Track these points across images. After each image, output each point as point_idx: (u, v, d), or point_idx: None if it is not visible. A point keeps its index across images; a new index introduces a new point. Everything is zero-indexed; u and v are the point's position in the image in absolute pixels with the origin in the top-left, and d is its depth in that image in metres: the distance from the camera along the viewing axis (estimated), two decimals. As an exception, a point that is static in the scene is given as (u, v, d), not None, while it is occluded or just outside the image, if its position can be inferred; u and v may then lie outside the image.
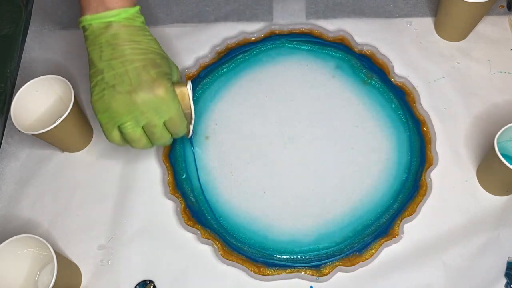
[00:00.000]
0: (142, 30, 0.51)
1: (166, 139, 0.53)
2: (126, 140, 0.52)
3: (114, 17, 0.49)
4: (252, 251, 0.57)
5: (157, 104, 0.49)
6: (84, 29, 0.50)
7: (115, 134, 0.51)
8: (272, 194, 0.60)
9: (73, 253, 0.58)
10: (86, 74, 0.68)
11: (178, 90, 0.52)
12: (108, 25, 0.49)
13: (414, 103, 0.64)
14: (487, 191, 0.58)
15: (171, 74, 0.52)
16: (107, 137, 0.52)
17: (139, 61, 0.49)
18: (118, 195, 0.61)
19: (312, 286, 0.55)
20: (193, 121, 0.55)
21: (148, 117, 0.49)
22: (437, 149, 0.61)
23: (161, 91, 0.49)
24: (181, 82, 0.53)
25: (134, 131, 0.50)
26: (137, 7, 0.51)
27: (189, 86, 0.52)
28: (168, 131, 0.52)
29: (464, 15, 0.63)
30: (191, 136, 0.60)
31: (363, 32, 0.69)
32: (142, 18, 0.51)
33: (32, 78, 0.59)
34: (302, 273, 0.55)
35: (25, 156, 0.64)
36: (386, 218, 0.57)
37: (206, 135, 0.64)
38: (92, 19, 0.49)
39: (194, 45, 0.70)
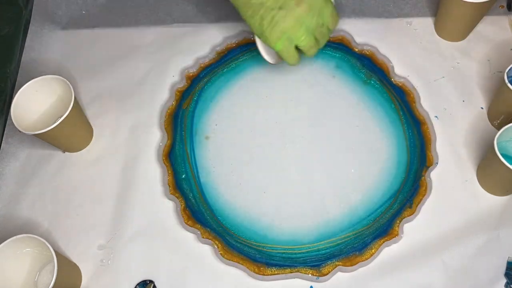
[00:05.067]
0: None
1: (328, 36, 0.57)
2: (301, 51, 0.56)
3: None
4: (252, 251, 0.57)
5: (319, 3, 0.53)
6: None
7: (296, 55, 0.56)
8: (272, 194, 0.60)
9: (73, 253, 0.58)
10: (86, 74, 0.69)
11: None
12: None
13: (414, 103, 0.64)
14: (487, 191, 0.58)
15: None
16: (289, 61, 0.56)
17: None
18: (118, 195, 0.61)
19: (312, 286, 0.55)
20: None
21: (316, 19, 0.53)
22: (437, 149, 0.61)
23: None
24: None
25: (310, 40, 0.55)
26: None
27: None
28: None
29: (464, 15, 0.63)
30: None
31: (363, 32, 0.69)
32: None
33: (32, 78, 0.59)
34: (302, 273, 0.55)
35: (25, 156, 0.64)
36: (386, 218, 0.57)
37: (206, 135, 0.64)
38: None
39: (194, 45, 0.70)
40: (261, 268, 0.55)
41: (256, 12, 0.53)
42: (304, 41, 0.54)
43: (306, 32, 0.54)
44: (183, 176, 0.61)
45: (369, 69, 0.66)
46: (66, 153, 0.64)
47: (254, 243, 0.57)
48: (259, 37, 0.55)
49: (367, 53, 0.68)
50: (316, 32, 0.55)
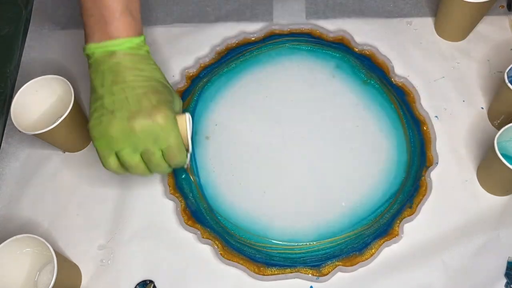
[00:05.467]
0: (146, 59, 0.50)
1: (164, 168, 0.51)
2: (123, 167, 0.50)
3: (118, 46, 0.48)
4: (252, 251, 0.57)
5: (156, 132, 0.48)
6: (88, 57, 0.50)
7: (112, 161, 0.49)
8: (272, 194, 0.60)
9: (73, 253, 0.58)
10: (86, 74, 0.69)
11: (178, 120, 0.50)
12: (112, 53, 0.48)
13: (414, 103, 0.64)
14: (487, 191, 0.58)
15: (173, 103, 0.51)
16: (103, 164, 0.50)
17: (140, 87, 0.48)
18: (118, 195, 0.61)
19: (312, 286, 0.55)
20: (189, 155, 0.53)
21: (146, 144, 0.48)
22: (437, 149, 0.61)
23: (160, 118, 0.47)
24: (181, 114, 0.51)
25: (131, 157, 0.49)
26: (142, 37, 0.50)
27: (187, 117, 0.51)
28: (166, 160, 0.50)
29: (464, 15, 0.63)
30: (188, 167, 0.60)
31: (363, 32, 0.69)
32: (147, 48, 0.51)
33: (32, 78, 0.59)
34: (302, 273, 0.55)
35: (25, 156, 0.64)
36: (386, 218, 0.57)
37: (206, 135, 0.64)
38: (96, 48, 0.48)
39: (194, 45, 0.70)
40: (261, 268, 0.55)
41: (94, 101, 0.49)
42: (123, 157, 0.48)
43: (130, 148, 0.48)
44: (183, 176, 0.61)
45: (369, 69, 0.66)
46: (66, 153, 0.64)
47: (254, 243, 0.57)
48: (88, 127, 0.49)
49: (367, 53, 0.68)
50: (144, 156, 0.49)
